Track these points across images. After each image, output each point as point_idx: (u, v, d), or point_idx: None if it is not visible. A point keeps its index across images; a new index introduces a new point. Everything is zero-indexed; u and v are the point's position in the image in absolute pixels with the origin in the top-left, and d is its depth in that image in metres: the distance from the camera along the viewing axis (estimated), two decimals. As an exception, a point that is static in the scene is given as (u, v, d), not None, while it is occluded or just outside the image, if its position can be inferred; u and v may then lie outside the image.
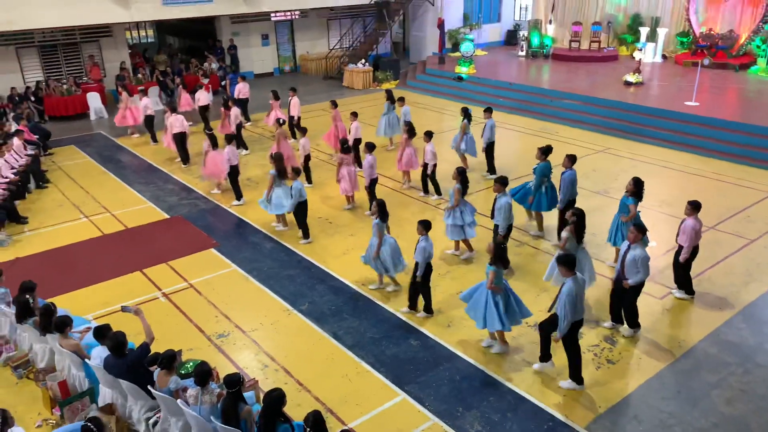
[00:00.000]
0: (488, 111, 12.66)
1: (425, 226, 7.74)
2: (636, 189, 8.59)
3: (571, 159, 9.59)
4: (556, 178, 9.96)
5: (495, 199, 8.98)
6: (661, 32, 22.09)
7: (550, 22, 25.00)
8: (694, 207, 8.02)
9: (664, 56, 22.29)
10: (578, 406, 6.54)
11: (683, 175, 13.03)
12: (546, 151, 10.01)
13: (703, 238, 10.05)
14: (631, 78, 18.44)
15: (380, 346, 7.59)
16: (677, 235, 8.22)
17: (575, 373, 6.76)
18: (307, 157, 12.45)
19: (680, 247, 8.17)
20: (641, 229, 7.25)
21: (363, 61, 22.62)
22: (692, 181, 12.65)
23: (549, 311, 6.99)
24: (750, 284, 8.78)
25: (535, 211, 10.29)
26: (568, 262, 6.44)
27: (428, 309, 8.14)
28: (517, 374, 7.04)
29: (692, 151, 14.32)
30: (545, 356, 7.05)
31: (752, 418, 6.33)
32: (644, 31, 22.43)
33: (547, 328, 6.85)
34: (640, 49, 20.92)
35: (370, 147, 10.90)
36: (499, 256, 7.05)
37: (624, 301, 7.55)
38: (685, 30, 21.98)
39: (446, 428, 6.27)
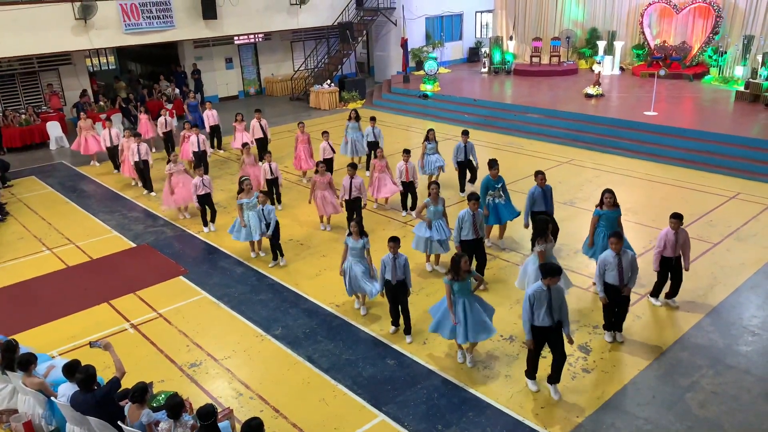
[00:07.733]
0: (465, 134, 12.46)
1: (398, 242, 7.73)
2: (614, 199, 8.56)
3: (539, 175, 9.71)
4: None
5: (473, 215, 8.80)
6: (618, 45, 22.76)
7: (511, 38, 25.53)
8: (681, 218, 8.04)
9: (621, 68, 22.95)
10: (557, 418, 6.56)
11: (646, 183, 13.33)
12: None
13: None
14: (592, 90, 18.90)
15: (357, 368, 7.51)
16: (674, 246, 8.07)
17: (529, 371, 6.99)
18: (275, 180, 12.32)
19: (678, 257, 8.17)
20: (621, 236, 7.44)
21: (328, 81, 22.73)
22: (655, 189, 12.95)
23: None
24: (715, 287, 8.98)
25: (496, 224, 10.31)
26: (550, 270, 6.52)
27: (409, 329, 8.07)
28: (495, 388, 7.04)
29: (653, 160, 14.69)
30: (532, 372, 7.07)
31: (725, 420, 6.43)
32: (602, 44, 23.06)
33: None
34: (599, 62, 21.48)
35: (354, 167, 10.96)
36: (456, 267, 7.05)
37: (624, 308, 7.67)
38: (640, 43, 22.68)
39: (426, 447, 6.22)
